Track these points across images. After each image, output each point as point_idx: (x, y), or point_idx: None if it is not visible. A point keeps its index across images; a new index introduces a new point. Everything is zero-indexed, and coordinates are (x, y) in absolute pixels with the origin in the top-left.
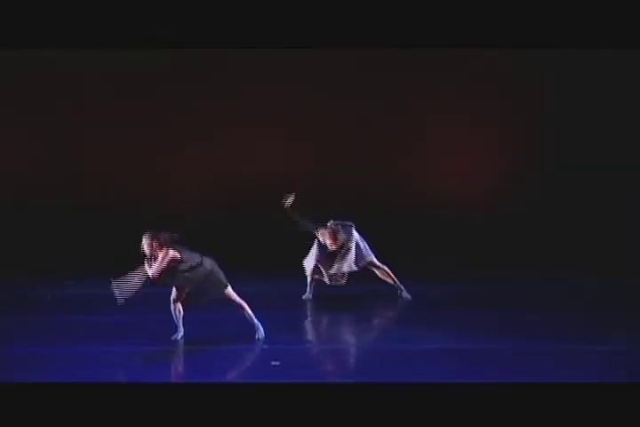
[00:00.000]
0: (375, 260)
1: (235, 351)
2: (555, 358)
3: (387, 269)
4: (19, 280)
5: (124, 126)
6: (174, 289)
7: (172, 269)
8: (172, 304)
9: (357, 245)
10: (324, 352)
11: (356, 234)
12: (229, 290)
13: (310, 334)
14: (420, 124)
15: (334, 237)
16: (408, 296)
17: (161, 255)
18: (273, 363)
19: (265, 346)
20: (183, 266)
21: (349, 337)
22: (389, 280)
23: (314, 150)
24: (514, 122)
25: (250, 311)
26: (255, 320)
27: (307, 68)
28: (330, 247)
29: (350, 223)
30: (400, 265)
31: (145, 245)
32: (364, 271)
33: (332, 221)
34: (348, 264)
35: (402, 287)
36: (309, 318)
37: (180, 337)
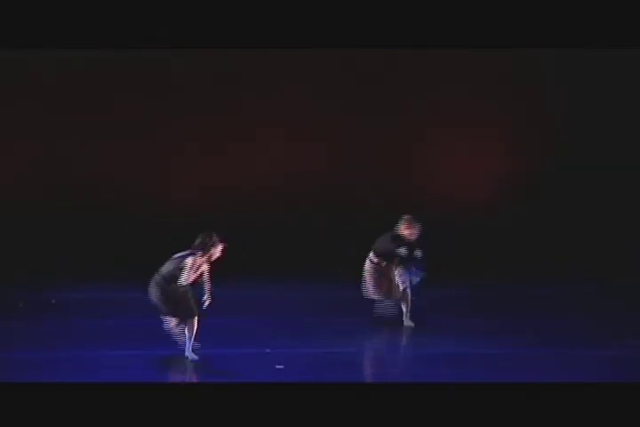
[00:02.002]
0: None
1: (239, 355)
2: (555, 359)
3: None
4: (18, 281)
5: (124, 126)
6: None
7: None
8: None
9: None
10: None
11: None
12: None
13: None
14: (419, 124)
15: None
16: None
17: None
18: (277, 366)
19: (268, 350)
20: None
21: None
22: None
23: (314, 150)
24: (514, 122)
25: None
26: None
27: (307, 68)
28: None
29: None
30: None
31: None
32: None
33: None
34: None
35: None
36: (315, 322)
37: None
